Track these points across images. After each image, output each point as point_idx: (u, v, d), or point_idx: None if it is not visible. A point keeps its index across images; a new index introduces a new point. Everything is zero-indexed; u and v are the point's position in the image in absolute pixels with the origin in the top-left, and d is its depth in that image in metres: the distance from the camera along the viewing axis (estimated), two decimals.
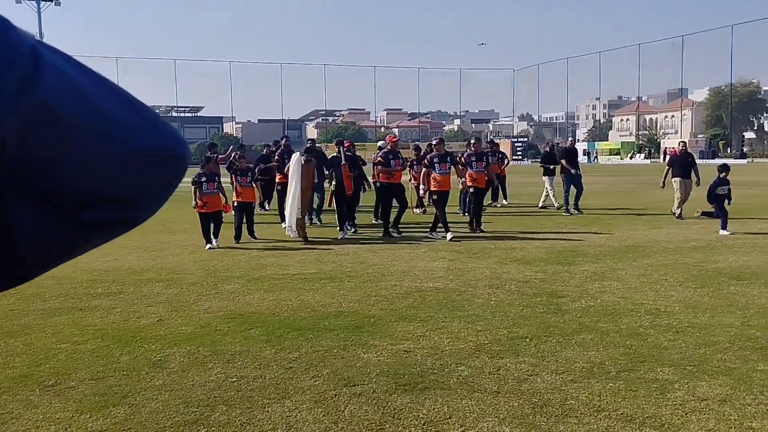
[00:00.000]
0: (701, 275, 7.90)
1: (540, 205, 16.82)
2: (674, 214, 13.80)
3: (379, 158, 12.41)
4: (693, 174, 13.69)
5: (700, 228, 12.28)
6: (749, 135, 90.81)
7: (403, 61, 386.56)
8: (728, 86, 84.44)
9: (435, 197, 11.66)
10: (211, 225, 10.77)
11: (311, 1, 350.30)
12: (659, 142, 78.71)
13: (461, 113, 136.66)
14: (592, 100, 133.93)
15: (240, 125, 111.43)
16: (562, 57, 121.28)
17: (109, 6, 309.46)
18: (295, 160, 11.57)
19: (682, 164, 13.98)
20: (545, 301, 6.71)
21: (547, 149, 18.07)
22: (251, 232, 11.74)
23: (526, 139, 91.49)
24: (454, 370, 4.70)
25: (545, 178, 16.50)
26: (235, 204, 11.58)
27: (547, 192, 16.64)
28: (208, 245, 10.64)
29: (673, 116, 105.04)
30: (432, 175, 11.60)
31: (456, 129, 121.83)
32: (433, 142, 12.66)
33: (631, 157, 70.23)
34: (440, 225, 11.53)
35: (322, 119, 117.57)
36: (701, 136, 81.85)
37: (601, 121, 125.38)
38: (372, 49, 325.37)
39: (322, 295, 7.24)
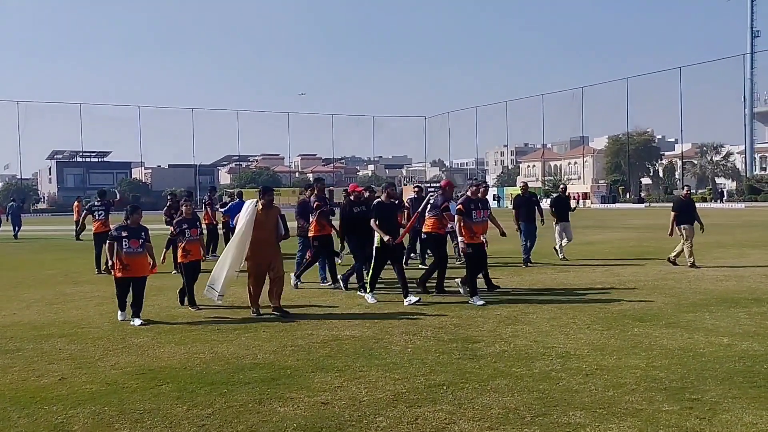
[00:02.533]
0: (607, 317, 8.22)
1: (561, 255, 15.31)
2: (681, 262, 13.15)
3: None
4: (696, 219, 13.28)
5: (604, 271, 12.83)
6: (646, 180, 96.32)
7: (317, 108, 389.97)
8: (625, 134, 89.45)
9: (470, 251, 9.63)
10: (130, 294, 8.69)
11: (222, 48, 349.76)
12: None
13: (375, 159, 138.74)
14: (500, 147, 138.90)
15: (150, 170, 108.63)
16: (471, 105, 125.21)
17: (8, 47, 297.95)
18: (249, 209, 8.99)
19: (689, 209, 13.45)
20: (461, 347, 6.79)
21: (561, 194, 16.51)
22: (192, 300, 9.47)
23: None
24: (372, 421, 4.67)
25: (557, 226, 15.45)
26: (182, 264, 9.48)
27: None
28: (121, 315, 8.69)
29: (576, 163, 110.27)
30: (464, 224, 9.61)
31: (370, 174, 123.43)
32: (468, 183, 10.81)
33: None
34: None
35: (236, 164, 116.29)
36: (602, 181, 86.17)
37: (509, 167, 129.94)
38: (285, 95, 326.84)
39: (236, 346, 7.06)
